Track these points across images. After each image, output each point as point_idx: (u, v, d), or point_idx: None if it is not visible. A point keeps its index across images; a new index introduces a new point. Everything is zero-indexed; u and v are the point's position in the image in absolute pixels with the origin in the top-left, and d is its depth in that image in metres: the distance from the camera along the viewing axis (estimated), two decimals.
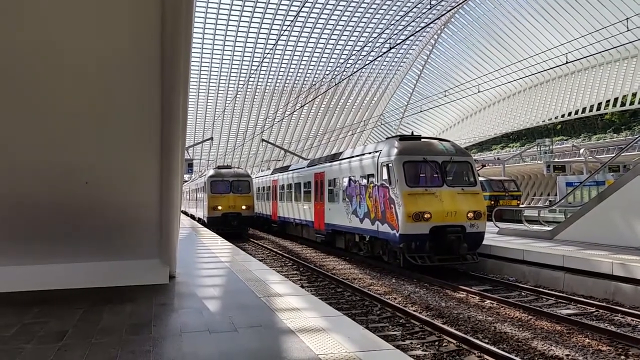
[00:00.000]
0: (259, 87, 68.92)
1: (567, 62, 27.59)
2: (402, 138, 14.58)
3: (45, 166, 6.67)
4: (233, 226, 24.87)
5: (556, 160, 46.25)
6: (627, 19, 26.03)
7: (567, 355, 6.87)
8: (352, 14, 57.44)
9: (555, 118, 63.67)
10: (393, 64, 70.71)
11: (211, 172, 27.40)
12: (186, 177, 44.60)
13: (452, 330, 7.81)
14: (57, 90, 6.01)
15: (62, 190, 6.90)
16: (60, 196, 6.93)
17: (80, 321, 5.65)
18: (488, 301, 10.17)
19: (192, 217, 35.52)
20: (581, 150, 42.43)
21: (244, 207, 25.43)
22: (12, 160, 6.52)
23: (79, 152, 6.66)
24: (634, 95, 53.34)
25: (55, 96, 6.07)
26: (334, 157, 18.85)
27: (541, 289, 10.98)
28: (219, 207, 25.14)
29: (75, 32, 5.53)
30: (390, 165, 13.56)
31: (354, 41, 61.80)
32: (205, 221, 26.09)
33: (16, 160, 6.54)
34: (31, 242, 7.21)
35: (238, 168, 29.49)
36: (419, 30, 54.76)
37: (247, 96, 69.72)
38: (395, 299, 10.64)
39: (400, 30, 56.21)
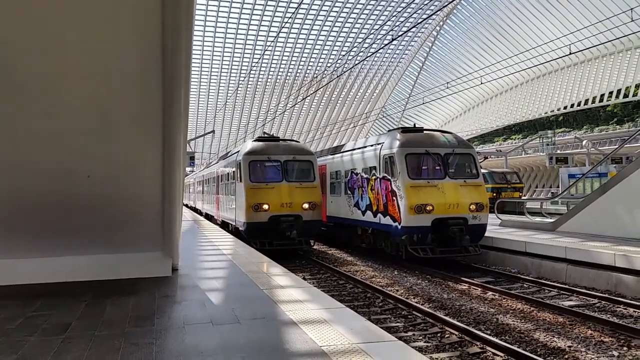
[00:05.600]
0: (260, 79, 68.84)
1: (570, 54, 27.45)
2: (404, 130, 14.54)
3: (47, 160, 6.68)
4: (288, 238, 14.83)
5: (559, 152, 46.13)
6: (631, 9, 25.82)
7: (569, 346, 6.88)
8: (354, 5, 57.16)
9: (558, 110, 63.46)
10: (395, 55, 70.48)
11: (248, 146, 16.47)
12: (188, 169, 44.23)
13: (455, 321, 7.82)
14: (57, 84, 6.00)
15: (65, 184, 6.91)
16: (62, 190, 6.93)
17: (84, 313, 5.67)
18: (490, 293, 10.18)
19: (208, 216, 25.67)
20: (584, 142, 42.29)
21: (306, 205, 15.25)
22: (14, 154, 6.51)
23: (80, 145, 6.66)
24: (637, 86, 53.12)
25: (55, 90, 6.06)
26: (336, 150, 18.82)
27: (543, 281, 10.98)
28: (265, 207, 14.96)
29: (75, 25, 5.50)
30: (392, 157, 13.53)
31: (356, 33, 61.56)
32: (242, 230, 15.74)
33: (18, 155, 6.54)
34: (34, 236, 7.23)
35: (291, 140, 17.99)
36: (421, 22, 54.45)
37: (248, 89, 69.64)
38: (397, 290, 10.66)
39: (403, 21, 55.94)
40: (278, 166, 15.62)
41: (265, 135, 19.72)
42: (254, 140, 17.10)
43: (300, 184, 15.57)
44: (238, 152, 17.24)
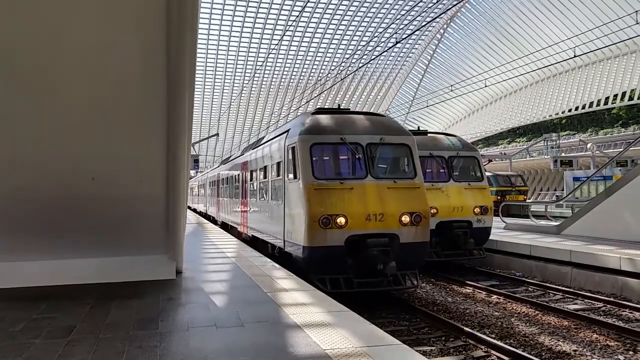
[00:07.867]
0: (264, 83, 68.96)
1: (574, 56, 27.39)
2: None
3: (51, 162, 6.69)
4: (379, 273, 9.04)
5: (563, 155, 45.99)
6: (636, 12, 25.77)
7: (574, 350, 6.85)
8: (357, 9, 57.25)
9: (562, 112, 63.34)
10: (399, 58, 70.54)
11: (307, 120, 10.25)
12: (192, 172, 44.12)
13: (459, 325, 7.80)
14: (61, 85, 6.02)
15: (69, 187, 6.92)
16: (66, 192, 6.95)
17: (88, 316, 5.67)
18: (495, 296, 10.14)
19: (225, 226, 19.91)
20: (588, 145, 42.16)
21: (405, 217, 9.42)
22: (19, 156, 6.54)
23: (85, 148, 6.67)
24: None
25: (60, 91, 6.08)
26: None
27: (548, 284, 10.95)
28: (340, 220, 9.07)
29: (80, 25, 5.53)
30: None
31: (360, 36, 61.65)
32: (299, 257, 9.56)
33: (23, 157, 6.56)
34: (38, 238, 7.24)
35: (372, 114, 11.48)
36: (425, 25, 54.50)
37: (252, 92, 69.78)
38: (401, 293, 10.63)
39: (406, 24, 55.96)
40: (359, 153, 9.70)
41: (326, 107, 12.47)
42: (314, 113, 10.63)
43: (395, 182, 9.73)
44: (287, 132, 10.77)
